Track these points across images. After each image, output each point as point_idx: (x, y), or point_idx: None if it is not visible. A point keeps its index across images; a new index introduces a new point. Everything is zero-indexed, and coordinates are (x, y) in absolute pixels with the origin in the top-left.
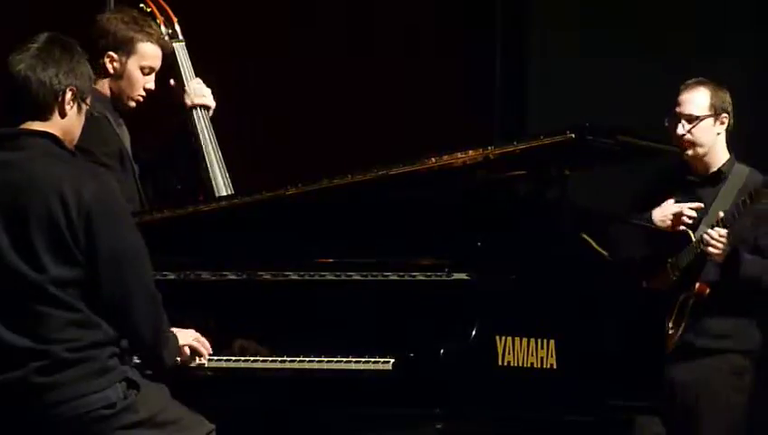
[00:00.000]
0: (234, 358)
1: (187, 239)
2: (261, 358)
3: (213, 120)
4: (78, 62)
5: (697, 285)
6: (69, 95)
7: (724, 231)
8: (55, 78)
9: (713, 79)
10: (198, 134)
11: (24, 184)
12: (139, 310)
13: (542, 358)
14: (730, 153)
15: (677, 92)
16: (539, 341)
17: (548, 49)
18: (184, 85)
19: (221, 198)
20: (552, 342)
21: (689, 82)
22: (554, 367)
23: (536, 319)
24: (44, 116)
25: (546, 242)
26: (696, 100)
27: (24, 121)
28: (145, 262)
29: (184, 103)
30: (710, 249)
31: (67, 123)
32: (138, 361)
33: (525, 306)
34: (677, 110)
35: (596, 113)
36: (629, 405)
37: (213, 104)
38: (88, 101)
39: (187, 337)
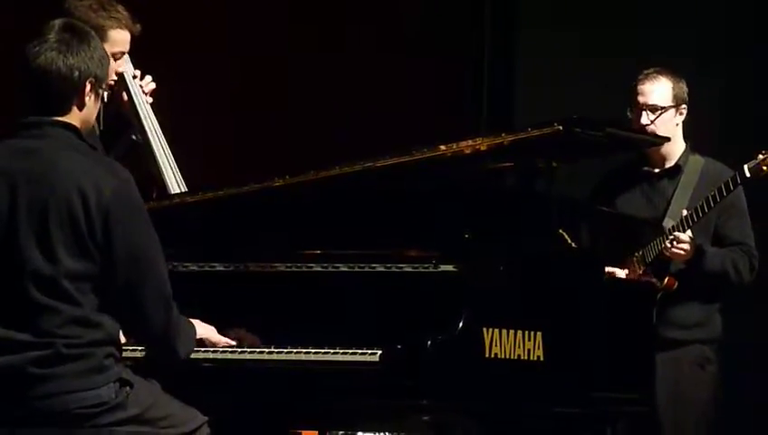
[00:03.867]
0: (221, 349)
1: (174, 231)
2: (248, 349)
3: (217, 116)
4: (95, 49)
5: (666, 279)
6: (88, 87)
7: (686, 235)
8: (76, 70)
9: (670, 69)
10: (146, 127)
11: (46, 174)
12: (150, 304)
13: (529, 350)
14: (686, 143)
15: (636, 82)
16: (526, 333)
17: (536, 48)
18: (126, 79)
19: (209, 189)
20: (539, 334)
21: (648, 71)
22: (541, 359)
23: (523, 311)
24: (64, 109)
25: (534, 234)
26: (659, 90)
27: (43, 114)
28: (158, 257)
29: (130, 97)
30: (674, 251)
31: (86, 113)
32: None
33: (513, 298)
34: (640, 100)
35: (584, 112)
36: (617, 398)
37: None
38: (105, 85)
39: (207, 330)
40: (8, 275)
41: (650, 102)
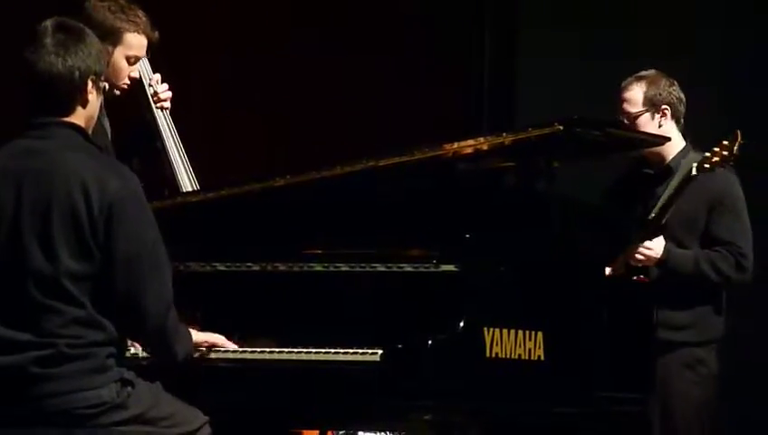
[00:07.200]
0: (221, 349)
1: (175, 230)
2: (249, 349)
3: (216, 116)
4: (91, 45)
5: (634, 277)
6: (90, 85)
7: (639, 243)
8: (76, 71)
9: (655, 72)
10: (161, 131)
11: (50, 173)
12: (149, 306)
13: (529, 349)
14: (686, 143)
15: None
16: (527, 332)
17: (537, 48)
18: (144, 84)
19: (209, 189)
20: (539, 333)
21: (628, 78)
22: (542, 359)
23: (524, 311)
24: (69, 110)
25: (534, 233)
26: (631, 97)
27: (49, 115)
28: (161, 260)
29: (147, 102)
30: (633, 257)
31: (89, 110)
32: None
33: (513, 298)
34: (619, 107)
35: (584, 112)
36: (617, 397)
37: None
38: (104, 77)
39: (206, 336)
40: (11, 275)
41: (625, 110)
